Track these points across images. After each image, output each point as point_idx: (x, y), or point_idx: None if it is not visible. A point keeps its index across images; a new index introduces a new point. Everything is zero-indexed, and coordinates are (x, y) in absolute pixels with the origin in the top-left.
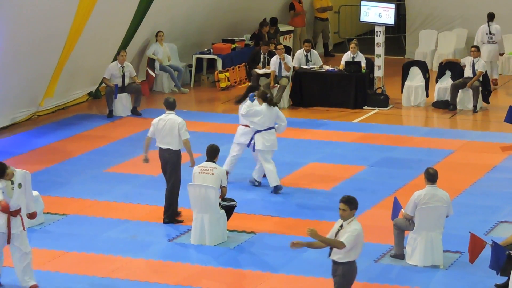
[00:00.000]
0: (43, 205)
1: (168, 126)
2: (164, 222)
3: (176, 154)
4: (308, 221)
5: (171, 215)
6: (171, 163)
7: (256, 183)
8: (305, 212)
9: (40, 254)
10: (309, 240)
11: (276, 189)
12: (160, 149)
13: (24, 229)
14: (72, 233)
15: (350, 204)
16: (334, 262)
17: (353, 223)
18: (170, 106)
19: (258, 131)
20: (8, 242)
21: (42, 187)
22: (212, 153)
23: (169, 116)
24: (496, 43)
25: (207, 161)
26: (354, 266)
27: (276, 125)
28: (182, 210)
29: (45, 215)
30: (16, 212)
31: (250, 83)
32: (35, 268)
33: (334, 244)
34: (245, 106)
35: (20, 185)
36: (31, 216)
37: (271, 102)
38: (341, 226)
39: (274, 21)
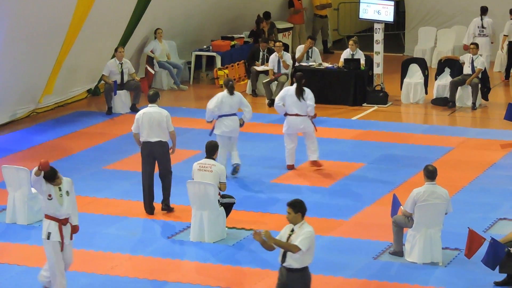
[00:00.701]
0: None
1: (156, 119)
2: (163, 209)
3: (167, 145)
4: (307, 218)
5: (169, 203)
6: (163, 153)
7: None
8: None
9: (39, 251)
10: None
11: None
12: (149, 142)
13: (71, 239)
14: None
15: (294, 207)
16: (290, 269)
17: (305, 226)
18: (152, 99)
19: (220, 116)
20: (61, 250)
21: None
22: (211, 150)
23: (153, 109)
24: (487, 36)
25: (206, 158)
26: (307, 274)
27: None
28: (181, 207)
29: None
30: (66, 221)
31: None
32: (34, 265)
33: (289, 247)
34: None
35: (68, 193)
36: (73, 229)
37: (231, 89)
38: (292, 230)
39: (267, 15)
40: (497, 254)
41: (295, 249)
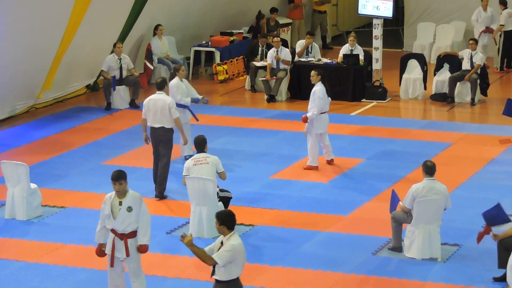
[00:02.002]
0: (41, 198)
1: (159, 106)
2: (156, 197)
3: (170, 132)
4: (306, 214)
5: (163, 190)
6: (165, 141)
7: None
8: (303, 205)
9: (38, 247)
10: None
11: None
12: (153, 128)
13: (127, 255)
14: (70, 226)
15: (218, 218)
16: (216, 281)
17: (232, 239)
18: (159, 86)
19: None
20: (111, 265)
21: (40, 179)
22: (201, 144)
23: (159, 96)
24: (490, 28)
25: (197, 153)
26: (237, 285)
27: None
28: (180, 203)
29: (43, 208)
30: (123, 236)
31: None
32: (33, 261)
33: (204, 259)
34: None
35: (130, 209)
36: (140, 249)
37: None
38: (222, 242)
39: (274, 10)
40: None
41: (210, 261)
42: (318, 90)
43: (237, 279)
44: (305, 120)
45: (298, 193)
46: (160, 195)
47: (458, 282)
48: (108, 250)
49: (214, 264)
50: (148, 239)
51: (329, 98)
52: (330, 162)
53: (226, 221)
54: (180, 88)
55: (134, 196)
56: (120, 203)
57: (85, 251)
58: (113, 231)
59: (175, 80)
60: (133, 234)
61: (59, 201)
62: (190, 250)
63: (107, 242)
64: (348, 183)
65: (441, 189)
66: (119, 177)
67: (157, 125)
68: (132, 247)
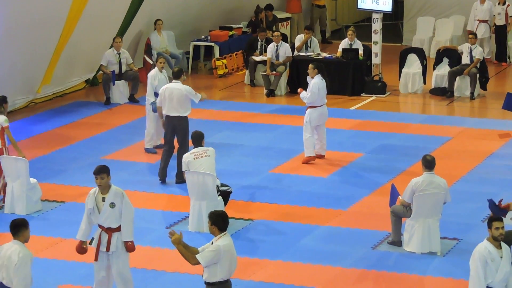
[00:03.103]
0: (41, 193)
1: (175, 95)
2: (177, 183)
3: (185, 120)
4: (305, 208)
5: (182, 176)
6: (181, 128)
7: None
8: (302, 199)
9: (38, 241)
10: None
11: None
12: (168, 117)
13: (107, 250)
14: (70, 221)
15: (210, 218)
16: (205, 282)
17: (220, 240)
18: (175, 75)
19: None
20: (95, 259)
21: (40, 174)
22: (199, 139)
23: (176, 85)
24: (487, 21)
25: (195, 147)
26: (228, 286)
27: None
28: (180, 197)
29: (43, 203)
30: (108, 230)
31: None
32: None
33: (187, 258)
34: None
35: (112, 205)
36: (127, 247)
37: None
38: (212, 243)
39: (269, 7)
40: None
41: (193, 260)
42: (314, 84)
43: (226, 282)
44: (300, 92)
45: (297, 187)
46: (181, 180)
47: (457, 276)
48: (94, 244)
49: (196, 263)
50: (131, 235)
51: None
52: (320, 156)
53: (217, 221)
54: (157, 79)
55: (117, 192)
56: (104, 199)
57: None
58: (100, 225)
59: (154, 71)
60: (119, 228)
61: (59, 196)
62: (176, 248)
63: (94, 237)
64: (347, 177)
65: (441, 183)
66: (100, 171)
67: (173, 114)
68: (117, 242)
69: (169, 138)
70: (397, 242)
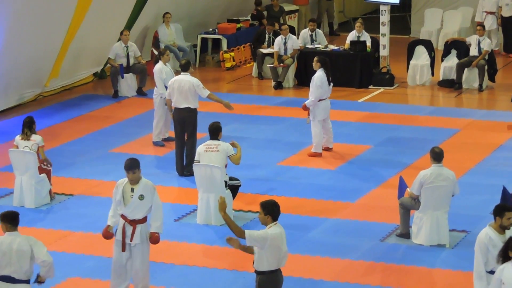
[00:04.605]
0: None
1: (184, 86)
2: (185, 175)
3: (195, 112)
4: (313, 200)
5: (191, 169)
6: (190, 121)
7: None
8: (310, 191)
9: (47, 234)
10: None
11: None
12: (177, 108)
13: (130, 241)
14: (79, 213)
15: (264, 208)
16: (257, 271)
17: (271, 228)
18: (184, 67)
19: None
20: (123, 250)
21: None
22: (215, 131)
23: (184, 77)
24: (494, 13)
25: (210, 139)
26: (273, 279)
27: None
28: (188, 189)
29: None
30: (133, 222)
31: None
32: None
33: (233, 227)
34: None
35: (141, 197)
36: (152, 238)
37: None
38: None
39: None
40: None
41: (238, 231)
42: (317, 77)
43: (275, 272)
44: (305, 108)
45: (305, 180)
46: (190, 172)
47: (466, 269)
48: (118, 236)
49: (241, 236)
50: (160, 227)
51: (331, 85)
52: (328, 149)
53: (272, 211)
54: (164, 72)
55: (147, 185)
56: (132, 190)
57: (93, 239)
58: (123, 216)
59: (159, 64)
60: (143, 220)
61: (67, 189)
62: (221, 213)
63: (117, 228)
64: (355, 170)
65: (449, 175)
66: (131, 166)
67: (182, 106)
68: (140, 234)
69: (179, 133)
70: (405, 235)
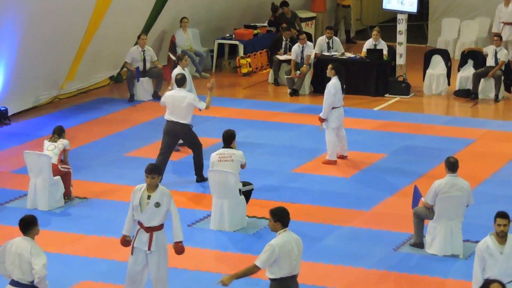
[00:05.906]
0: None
1: (178, 102)
2: (197, 181)
3: (187, 127)
4: (327, 208)
5: (201, 174)
6: (185, 134)
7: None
8: (324, 199)
9: (60, 237)
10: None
11: None
12: (169, 121)
13: (149, 249)
14: (92, 217)
15: (273, 215)
16: (269, 279)
17: (278, 237)
18: (178, 83)
19: None
20: (132, 253)
21: None
22: (229, 139)
23: (179, 93)
24: (511, 24)
25: (224, 147)
26: (287, 284)
27: None
28: (202, 195)
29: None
30: (149, 229)
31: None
32: (54, 251)
33: (247, 273)
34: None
35: (157, 204)
36: (176, 248)
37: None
38: None
39: (285, 3)
40: None
41: (253, 269)
42: (331, 85)
43: (288, 278)
44: (321, 120)
45: (319, 187)
46: (201, 179)
47: None
48: (134, 243)
49: (256, 270)
50: (180, 235)
51: (343, 93)
52: (342, 157)
53: (282, 218)
54: None
55: (164, 193)
56: (149, 197)
57: (106, 242)
58: (139, 223)
59: (178, 69)
60: (160, 227)
61: (81, 192)
62: (232, 280)
63: (134, 234)
64: (369, 178)
65: (464, 186)
66: (152, 170)
67: (173, 119)
68: (157, 241)
69: (166, 144)
70: (419, 244)
